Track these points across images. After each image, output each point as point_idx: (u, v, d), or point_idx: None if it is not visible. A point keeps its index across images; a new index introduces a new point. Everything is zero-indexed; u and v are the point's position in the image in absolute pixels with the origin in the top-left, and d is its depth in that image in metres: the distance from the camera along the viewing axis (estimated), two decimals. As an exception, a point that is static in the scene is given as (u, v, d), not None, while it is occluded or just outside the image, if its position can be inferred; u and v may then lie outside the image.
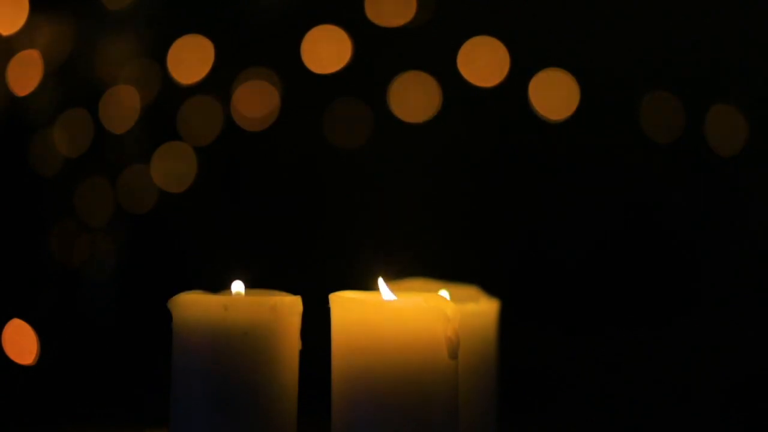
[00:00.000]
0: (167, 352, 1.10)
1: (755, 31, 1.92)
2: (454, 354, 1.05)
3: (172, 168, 1.95)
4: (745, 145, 1.89)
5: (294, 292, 1.11)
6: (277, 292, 1.12)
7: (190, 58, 1.95)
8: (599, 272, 1.94)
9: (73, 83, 1.92)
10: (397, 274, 1.25)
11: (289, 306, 1.09)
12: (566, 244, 1.95)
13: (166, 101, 1.95)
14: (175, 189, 1.95)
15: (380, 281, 1.09)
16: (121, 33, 1.93)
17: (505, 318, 1.25)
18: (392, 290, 1.09)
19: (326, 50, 1.94)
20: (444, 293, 1.19)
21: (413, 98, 1.94)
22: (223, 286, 1.13)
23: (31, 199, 1.92)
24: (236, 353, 1.06)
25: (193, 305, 1.07)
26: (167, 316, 1.09)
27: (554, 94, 1.91)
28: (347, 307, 1.05)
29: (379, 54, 1.94)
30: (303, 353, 1.10)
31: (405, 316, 1.04)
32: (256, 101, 1.96)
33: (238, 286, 1.12)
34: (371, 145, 1.96)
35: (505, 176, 1.97)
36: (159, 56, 1.94)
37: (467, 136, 1.96)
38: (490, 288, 1.27)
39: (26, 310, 1.85)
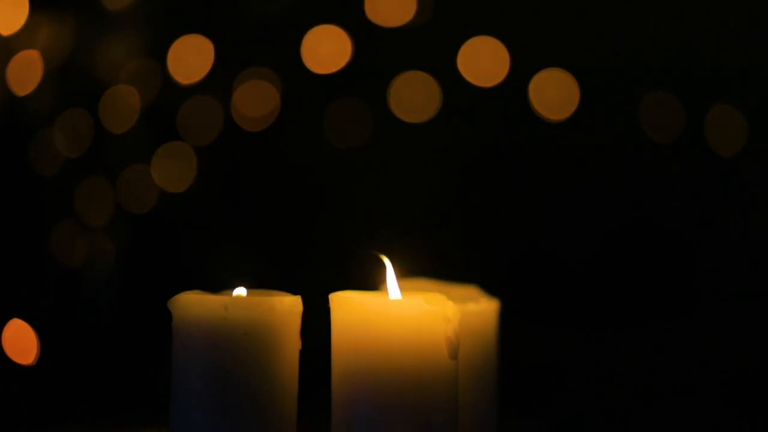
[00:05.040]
0: (167, 352, 1.10)
1: (755, 31, 1.92)
2: (454, 354, 1.05)
3: (172, 168, 1.95)
4: (745, 145, 1.89)
5: (294, 292, 1.11)
6: (277, 292, 1.11)
7: (190, 58, 1.95)
8: (599, 272, 1.94)
9: (73, 83, 1.92)
10: (397, 274, 1.25)
11: (289, 306, 1.09)
12: (566, 244, 1.95)
13: (166, 101, 1.95)
14: (175, 189, 1.95)
15: (388, 266, 1.09)
16: (121, 33, 1.93)
17: (505, 318, 1.25)
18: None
19: (326, 50, 1.94)
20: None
21: (413, 98, 1.94)
22: (223, 286, 1.13)
23: (31, 199, 1.92)
24: (236, 353, 1.06)
25: (193, 305, 1.07)
26: (167, 316, 1.09)
27: (554, 94, 1.91)
28: (347, 307, 1.05)
29: (379, 54, 1.94)
30: (303, 353, 1.10)
31: (405, 316, 1.04)
32: (256, 101, 1.96)
33: (239, 291, 1.12)
34: (371, 145, 1.96)
35: (505, 176, 1.97)
36: (159, 56, 1.94)
37: (467, 136, 1.96)
38: (490, 288, 1.27)
39: (26, 310, 1.85)
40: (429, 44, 1.94)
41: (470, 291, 1.26)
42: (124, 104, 1.94)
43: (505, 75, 1.92)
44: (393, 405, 1.03)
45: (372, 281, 1.19)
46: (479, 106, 1.93)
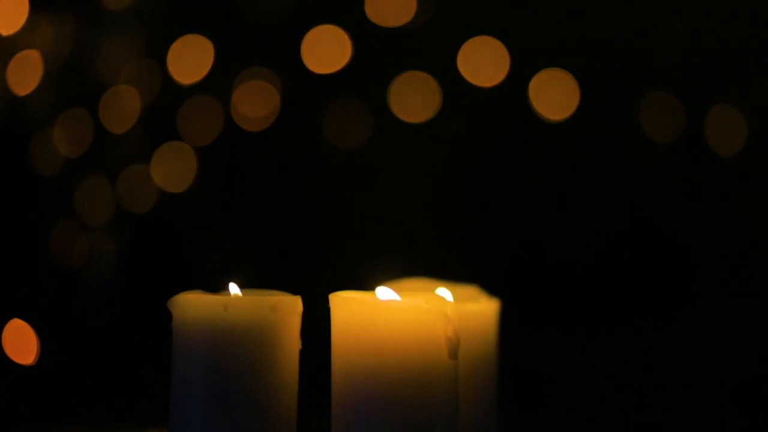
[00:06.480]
0: (167, 352, 1.10)
1: (755, 31, 1.92)
2: (454, 354, 1.05)
3: (172, 168, 1.95)
4: (745, 145, 1.89)
5: (294, 292, 1.11)
6: (277, 292, 1.12)
7: (190, 58, 1.95)
8: (599, 272, 1.94)
9: (73, 83, 1.92)
10: (397, 274, 1.25)
11: (289, 306, 1.09)
12: (566, 244, 1.95)
13: (166, 101, 1.95)
14: (175, 189, 1.95)
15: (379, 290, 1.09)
16: (121, 33, 1.94)
17: (505, 318, 1.25)
18: (392, 290, 1.09)
19: (326, 50, 1.94)
20: (443, 291, 1.19)
21: (413, 98, 1.94)
22: (223, 286, 1.13)
23: (31, 199, 1.92)
24: (236, 353, 1.06)
25: (193, 305, 1.07)
26: (167, 316, 1.09)
27: (554, 94, 1.91)
28: (347, 307, 1.05)
29: (379, 54, 1.94)
30: (303, 353, 1.10)
31: (405, 316, 1.04)
32: (256, 101, 1.96)
33: (233, 288, 1.12)
34: (371, 145, 1.96)
35: (504, 176, 1.97)
36: (159, 56, 1.94)
37: (467, 136, 1.96)
38: (490, 288, 1.27)
39: (26, 310, 1.85)
40: (429, 44, 1.94)
41: (470, 291, 1.26)
42: (124, 104, 1.94)
43: (505, 75, 1.92)
44: (393, 405, 1.03)
45: (372, 281, 1.19)
46: (479, 106, 1.93)
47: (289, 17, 1.95)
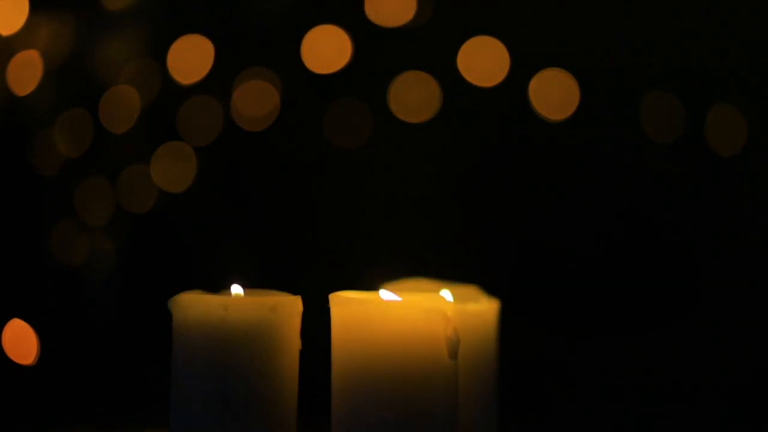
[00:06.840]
0: (167, 352, 1.10)
1: (755, 31, 1.92)
2: (454, 354, 1.05)
3: (172, 168, 1.96)
4: (745, 145, 1.89)
5: (294, 292, 1.11)
6: (277, 292, 1.11)
7: (190, 58, 1.95)
8: (599, 272, 1.94)
9: (73, 83, 1.92)
10: (397, 274, 1.25)
11: (289, 306, 1.09)
12: (566, 244, 1.95)
13: (166, 101, 1.95)
14: (175, 189, 1.95)
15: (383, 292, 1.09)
16: (121, 33, 1.94)
17: (505, 318, 1.25)
18: (393, 291, 1.09)
19: (326, 50, 1.94)
20: (446, 293, 1.19)
21: (413, 98, 1.94)
22: (223, 286, 1.13)
23: (31, 199, 1.92)
24: (236, 353, 1.06)
25: (193, 305, 1.07)
26: (167, 316, 1.09)
27: (554, 94, 1.91)
28: (347, 307, 1.05)
29: (379, 54, 1.94)
30: (303, 353, 1.10)
31: (405, 316, 1.04)
32: (256, 101, 1.96)
33: (236, 289, 1.12)
34: (371, 145, 1.96)
35: (505, 176, 1.97)
36: (159, 56, 1.94)
37: (467, 136, 1.96)
38: (490, 288, 1.27)
39: (26, 310, 1.85)
40: (429, 44, 1.94)
41: (470, 291, 1.26)
42: (124, 104, 1.94)
43: (505, 75, 1.92)
44: (393, 405, 1.03)
45: (372, 281, 1.19)
46: (479, 106, 1.93)
47: (289, 17, 1.95)
